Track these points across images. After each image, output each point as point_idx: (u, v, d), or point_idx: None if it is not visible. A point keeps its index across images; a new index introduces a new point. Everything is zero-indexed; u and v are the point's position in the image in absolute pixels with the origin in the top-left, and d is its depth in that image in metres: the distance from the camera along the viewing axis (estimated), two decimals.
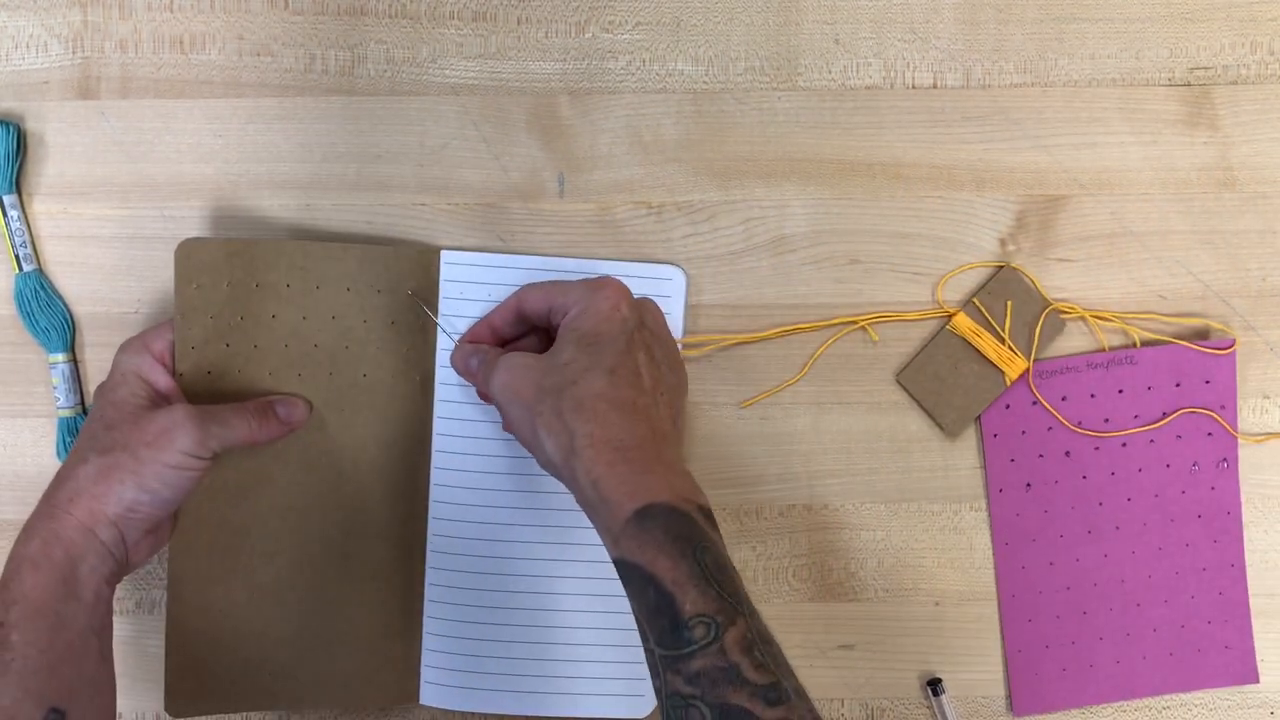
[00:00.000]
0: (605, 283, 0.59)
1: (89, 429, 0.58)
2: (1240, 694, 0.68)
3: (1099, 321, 0.66)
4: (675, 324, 0.66)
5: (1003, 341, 0.66)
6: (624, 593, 0.53)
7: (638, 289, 0.63)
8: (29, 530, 0.55)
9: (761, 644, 0.49)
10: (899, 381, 0.67)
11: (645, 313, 0.60)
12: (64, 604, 0.54)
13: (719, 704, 0.47)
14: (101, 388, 0.60)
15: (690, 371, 0.66)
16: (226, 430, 0.58)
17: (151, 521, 0.58)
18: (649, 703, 0.66)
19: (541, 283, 0.62)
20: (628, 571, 0.52)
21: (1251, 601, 0.67)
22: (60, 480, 0.57)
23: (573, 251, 0.66)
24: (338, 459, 0.64)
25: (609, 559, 0.54)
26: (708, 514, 0.53)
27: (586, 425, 0.54)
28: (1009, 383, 0.66)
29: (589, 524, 0.56)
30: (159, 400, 0.59)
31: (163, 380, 0.60)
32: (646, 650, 0.51)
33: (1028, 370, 0.66)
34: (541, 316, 0.61)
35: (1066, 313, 0.66)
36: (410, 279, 0.64)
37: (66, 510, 0.55)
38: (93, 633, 0.55)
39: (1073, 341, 0.67)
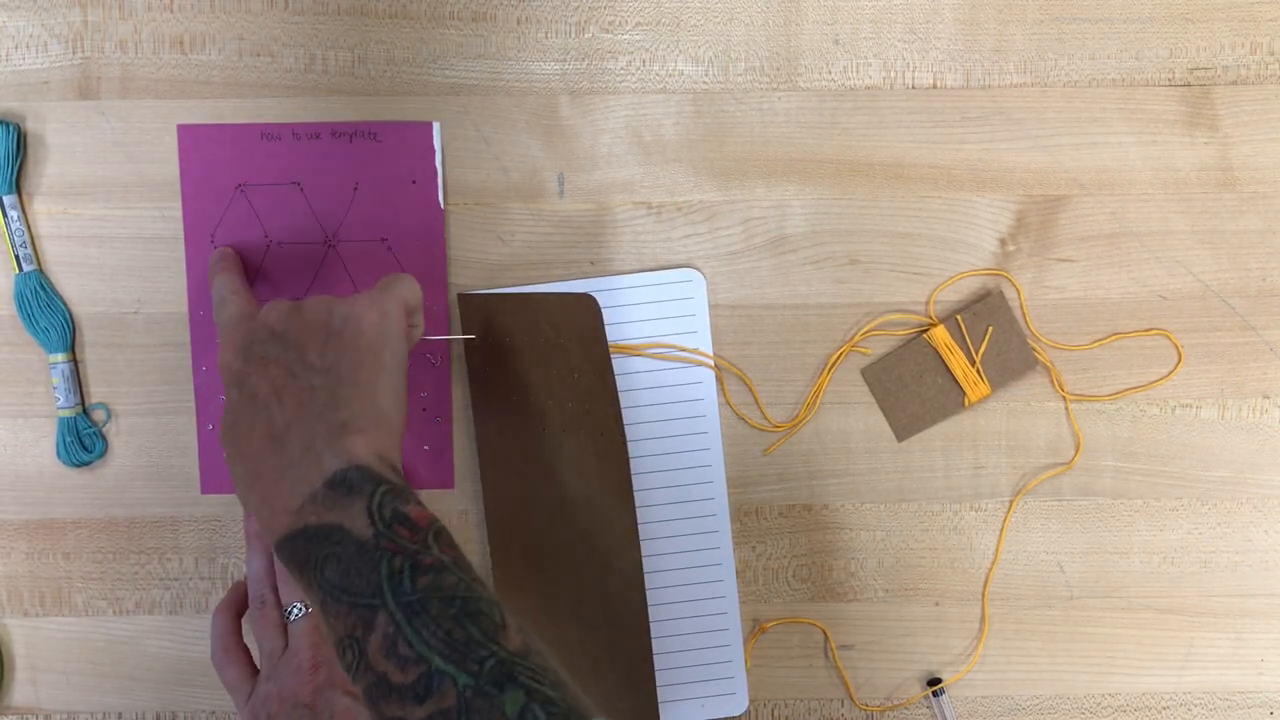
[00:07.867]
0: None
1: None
2: (1240, 694, 0.68)
3: (1059, 372, 0.67)
4: (701, 329, 0.66)
5: (973, 364, 0.66)
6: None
7: (654, 295, 0.64)
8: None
9: (409, 629, 0.45)
10: (862, 374, 0.67)
11: (270, 323, 0.55)
12: None
13: None
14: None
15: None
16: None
17: None
18: (742, 701, 0.67)
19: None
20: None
21: (1252, 602, 0.67)
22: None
23: (573, 253, 0.66)
24: (573, 495, 0.66)
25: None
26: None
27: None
28: (968, 404, 0.66)
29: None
30: None
31: None
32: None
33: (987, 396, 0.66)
34: None
35: (1039, 353, 0.66)
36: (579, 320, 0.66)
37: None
38: None
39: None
